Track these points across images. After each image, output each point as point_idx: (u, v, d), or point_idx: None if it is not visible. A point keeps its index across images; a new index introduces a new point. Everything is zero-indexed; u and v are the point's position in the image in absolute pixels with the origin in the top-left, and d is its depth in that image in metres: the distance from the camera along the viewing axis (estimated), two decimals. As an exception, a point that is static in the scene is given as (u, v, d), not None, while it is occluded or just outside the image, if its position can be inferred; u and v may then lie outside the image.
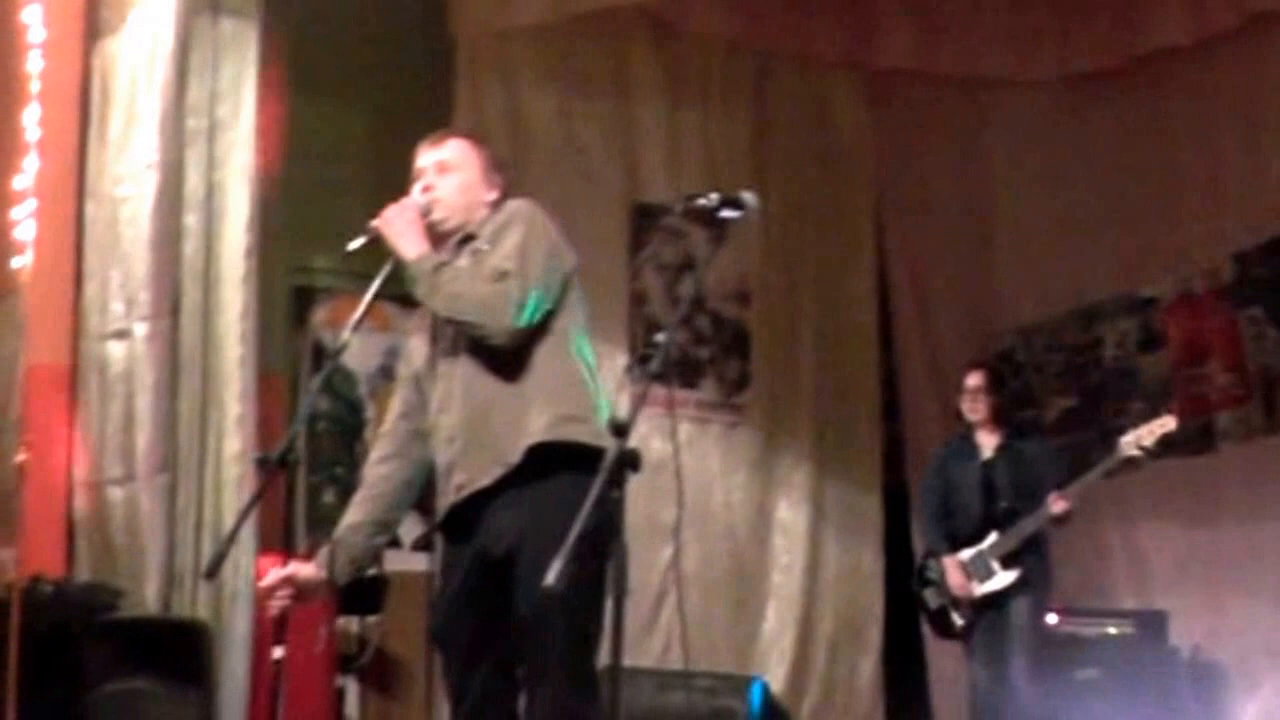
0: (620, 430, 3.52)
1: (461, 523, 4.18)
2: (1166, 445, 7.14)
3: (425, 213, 4.27)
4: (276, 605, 4.18)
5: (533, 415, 4.07)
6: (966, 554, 7.38)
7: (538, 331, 4.11)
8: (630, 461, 3.52)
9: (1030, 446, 7.70)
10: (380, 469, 4.38)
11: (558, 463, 4.02)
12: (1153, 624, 8.05)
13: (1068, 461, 7.86)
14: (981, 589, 7.30)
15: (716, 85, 9.10)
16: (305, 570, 4.24)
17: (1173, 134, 8.91)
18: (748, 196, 3.89)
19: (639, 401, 3.64)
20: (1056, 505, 7.12)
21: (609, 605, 4.83)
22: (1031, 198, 9.51)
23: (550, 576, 3.30)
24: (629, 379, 8.20)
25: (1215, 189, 8.71)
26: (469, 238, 4.30)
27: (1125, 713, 7.48)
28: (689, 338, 8.68)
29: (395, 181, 4.50)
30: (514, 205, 4.28)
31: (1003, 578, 7.24)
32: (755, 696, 7.36)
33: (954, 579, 7.38)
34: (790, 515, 9.07)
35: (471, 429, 4.12)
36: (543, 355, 4.13)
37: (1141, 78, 8.97)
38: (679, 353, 8.56)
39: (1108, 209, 9.11)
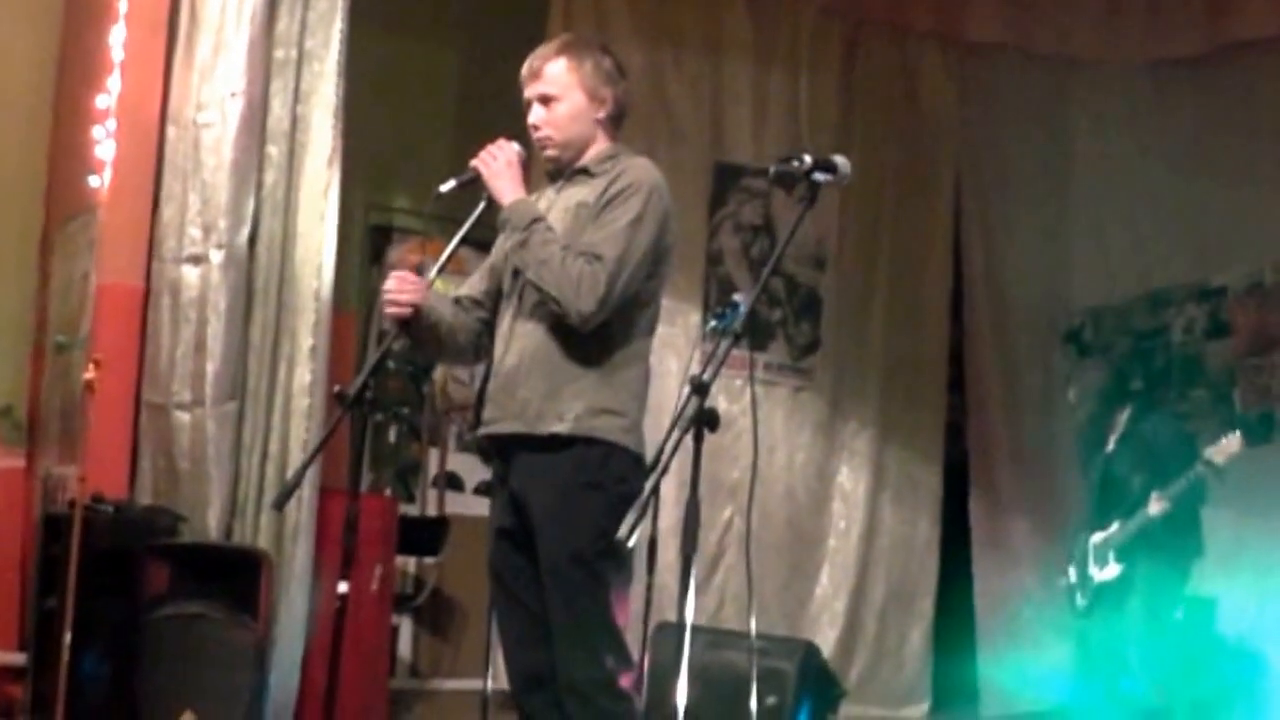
0: (700, 389, 3.53)
1: (498, 451, 4.20)
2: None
3: (541, 146, 4.22)
4: (407, 297, 4.14)
5: (568, 396, 4.05)
6: None
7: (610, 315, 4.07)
8: (708, 420, 3.53)
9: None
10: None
11: (581, 442, 4.04)
12: (1203, 609, 8.02)
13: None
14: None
15: (806, 49, 9.03)
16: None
17: (1253, 126, 8.83)
18: (840, 160, 3.87)
19: (720, 362, 3.65)
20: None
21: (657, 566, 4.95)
22: (1110, 180, 9.45)
23: (623, 529, 3.33)
24: (704, 337, 8.23)
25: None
26: (582, 171, 4.25)
27: (1169, 696, 7.45)
28: (762, 299, 8.65)
29: (480, 126, 4.47)
30: (637, 171, 4.17)
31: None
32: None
33: None
34: (850, 481, 9.07)
35: (513, 377, 4.11)
36: (605, 337, 4.09)
37: (1226, 67, 8.89)
38: (753, 315, 8.54)
39: (1183, 196, 9.06)
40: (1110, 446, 7.22)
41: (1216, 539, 8.61)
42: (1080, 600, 7.24)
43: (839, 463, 9.07)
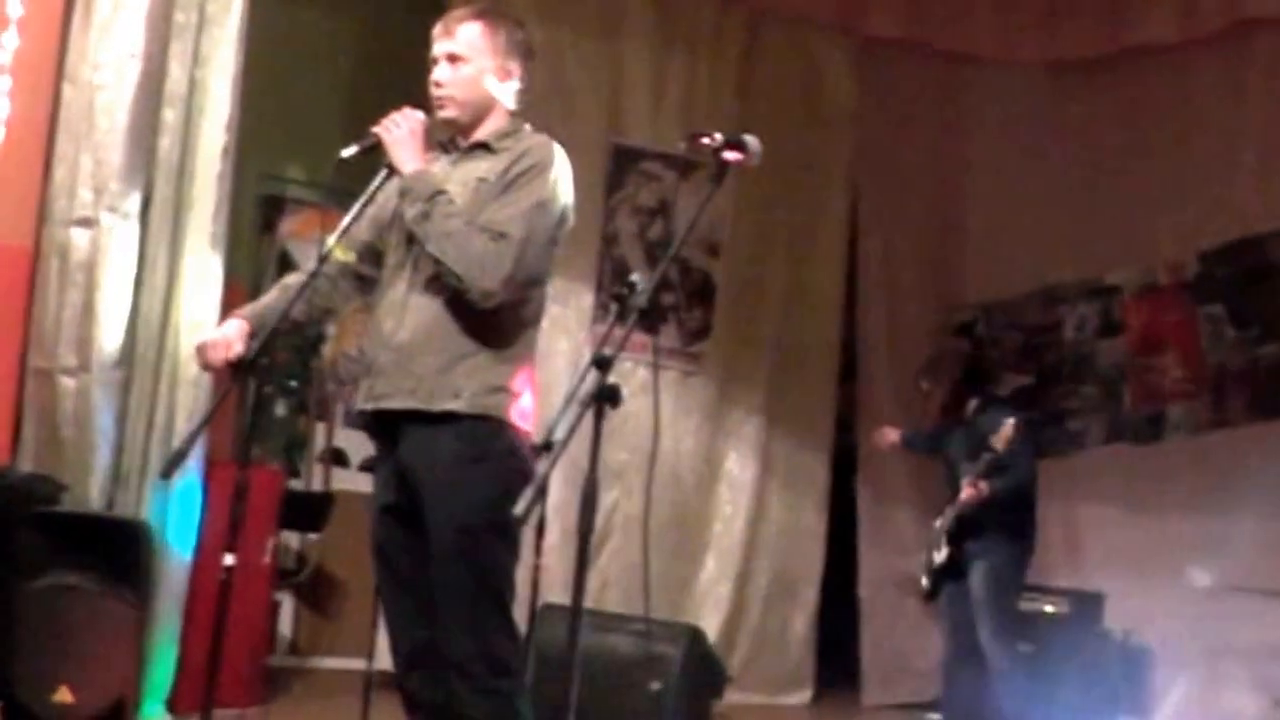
0: (602, 364, 3.49)
1: (384, 426, 4.13)
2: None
3: (438, 106, 4.14)
4: (218, 357, 4.07)
5: (462, 373, 4.00)
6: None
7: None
8: (610, 397, 3.49)
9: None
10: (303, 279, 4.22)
11: (474, 419, 3.99)
12: (1089, 604, 8.14)
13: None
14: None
15: (706, 35, 9.05)
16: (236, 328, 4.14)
17: (1150, 129, 9.01)
18: (751, 139, 3.85)
19: (623, 339, 3.61)
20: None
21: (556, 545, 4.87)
22: (1007, 177, 9.58)
23: (520, 505, 3.29)
24: (600, 318, 8.22)
25: (1187, 186, 8.84)
26: (480, 146, 4.17)
27: (1057, 688, 7.54)
28: (656, 284, 8.61)
29: (375, 98, 4.39)
30: (543, 151, 4.11)
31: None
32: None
33: None
34: (737, 467, 9.10)
35: (405, 351, 4.04)
36: (501, 315, 4.03)
37: (1125, 71, 9.04)
38: (645, 298, 8.50)
39: (1079, 196, 9.20)
40: (955, 435, 7.34)
41: (1104, 535, 8.80)
42: (924, 584, 7.34)
43: (727, 448, 9.10)
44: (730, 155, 3.84)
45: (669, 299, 8.91)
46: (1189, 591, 8.16)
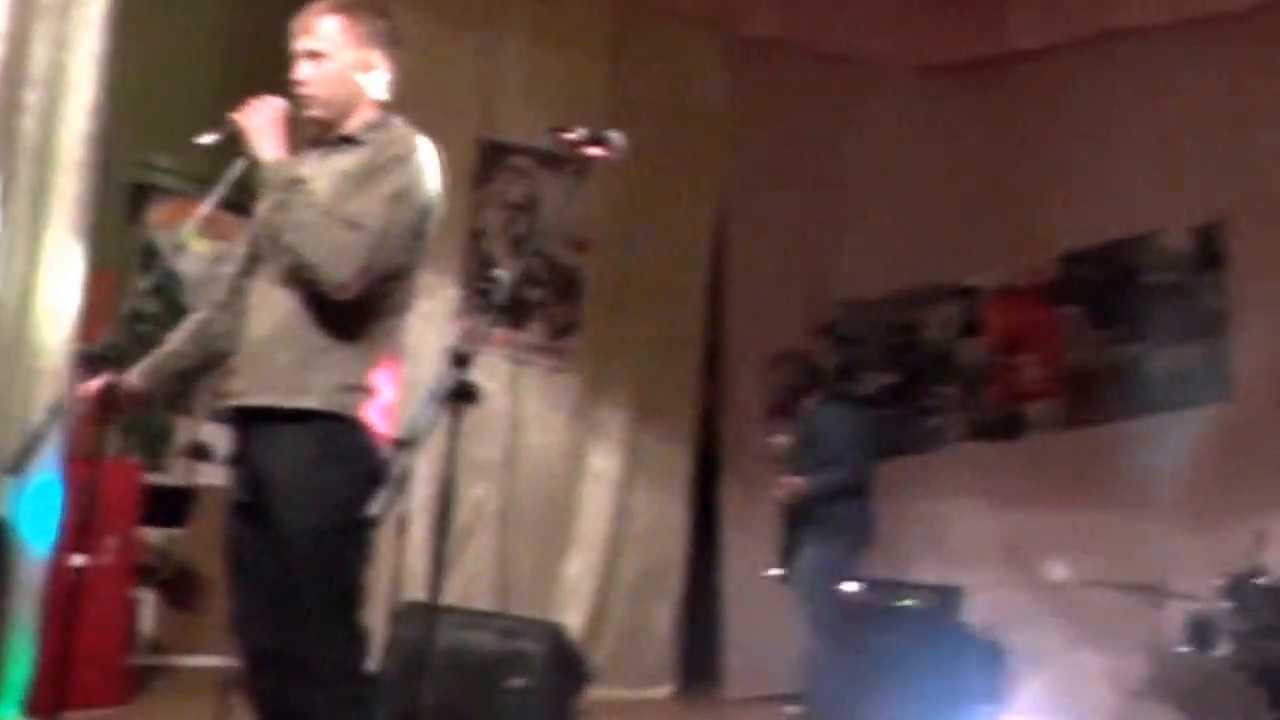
0: (460, 360, 3.47)
1: (242, 422, 4.03)
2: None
3: (300, 108, 4.04)
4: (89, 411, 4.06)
5: (318, 369, 3.90)
6: None
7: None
8: (469, 394, 3.47)
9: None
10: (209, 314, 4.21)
11: (328, 417, 3.90)
12: (948, 599, 8.23)
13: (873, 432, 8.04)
14: None
15: (579, 29, 9.03)
16: (127, 381, 4.12)
17: (1017, 134, 9.15)
18: (615, 135, 3.85)
19: (485, 334, 3.60)
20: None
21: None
22: (878, 179, 9.64)
23: (376, 506, 3.26)
24: (464, 312, 8.18)
25: (1050, 191, 8.98)
26: (347, 139, 4.07)
27: (916, 683, 7.63)
28: (522, 278, 8.61)
29: (246, 85, 4.31)
30: (406, 144, 4.03)
31: None
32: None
33: None
34: (603, 463, 9.11)
35: (263, 347, 3.95)
36: (359, 310, 3.93)
37: (994, 76, 9.17)
38: (511, 293, 8.50)
39: (946, 198, 9.32)
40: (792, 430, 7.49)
41: (964, 531, 8.93)
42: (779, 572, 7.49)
43: (592, 444, 9.10)
44: (593, 150, 3.85)
45: (536, 295, 8.89)
46: (1047, 586, 8.33)
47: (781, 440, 7.68)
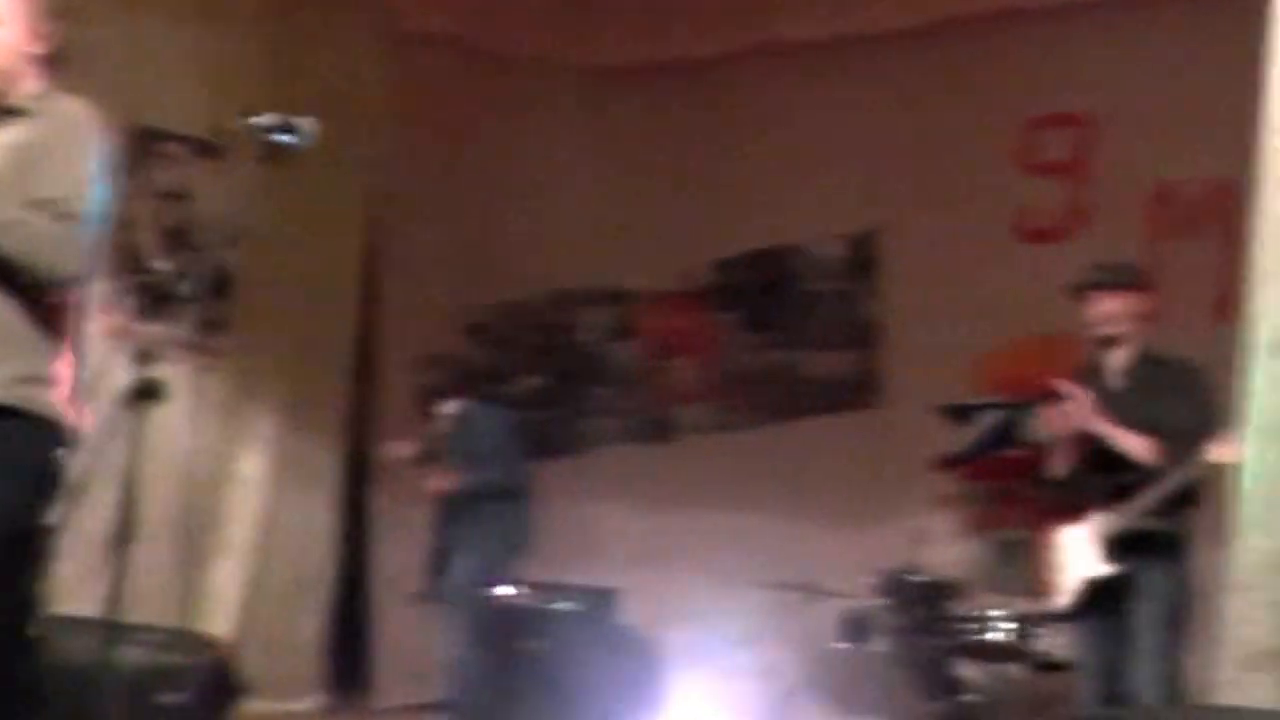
0: (144, 359, 3.28)
1: None
2: None
3: None
4: None
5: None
6: None
7: None
8: (153, 392, 3.27)
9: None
10: None
11: (6, 413, 3.66)
12: (601, 601, 8.24)
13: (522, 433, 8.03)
14: None
15: (239, 14, 8.67)
16: None
17: (679, 140, 9.27)
18: (306, 123, 3.71)
19: (130, 328, 3.39)
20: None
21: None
22: (541, 180, 9.65)
23: (54, 515, 3.04)
24: (110, 305, 7.79)
25: (709, 197, 9.08)
26: (12, 110, 3.83)
27: (570, 686, 7.62)
28: (172, 272, 8.27)
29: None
30: (79, 114, 3.86)
31: None
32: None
33: None
34: (251, 466, 8.83)
35: None
36: (43, 297, 3.71)
37: (659, 82, 9.27)
38: (160, 286, 8.16)
39: (606, 201, 9.35)
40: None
41: (617, 533, 8.99)
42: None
43: (241, 447, 8.80)
44: (282, 138, 3.70)
45: (185, 290, 8.52)
46: (703, 586, 8.43)
47: (404, 451, 7.63)
